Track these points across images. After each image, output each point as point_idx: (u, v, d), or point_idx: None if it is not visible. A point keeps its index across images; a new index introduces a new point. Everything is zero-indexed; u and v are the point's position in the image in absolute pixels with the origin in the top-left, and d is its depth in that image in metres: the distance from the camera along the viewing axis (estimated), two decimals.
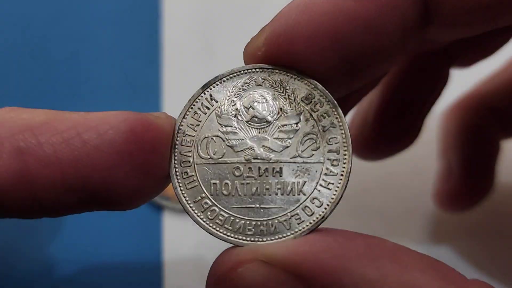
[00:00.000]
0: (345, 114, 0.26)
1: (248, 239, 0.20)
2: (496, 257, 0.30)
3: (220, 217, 0.20)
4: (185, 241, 0.30)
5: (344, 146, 0.20)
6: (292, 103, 0.21)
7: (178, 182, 0.20)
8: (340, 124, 0.20)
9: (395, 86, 0.28)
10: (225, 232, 0.20)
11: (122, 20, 0.40)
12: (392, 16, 0.20)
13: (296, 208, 0.20)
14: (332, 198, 0.20)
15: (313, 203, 0.20)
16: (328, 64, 0.20)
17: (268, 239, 0.20)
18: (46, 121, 0.19)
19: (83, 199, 0.19)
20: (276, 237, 0.20)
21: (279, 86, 0.21)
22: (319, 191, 0.20)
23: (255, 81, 0.21)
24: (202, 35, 0.40)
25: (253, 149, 0.20)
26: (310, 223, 0.20)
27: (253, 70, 0.21)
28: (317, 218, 0.20)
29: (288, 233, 0.20)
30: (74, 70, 0.38)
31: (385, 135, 0.29)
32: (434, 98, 0.29)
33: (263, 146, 0.20)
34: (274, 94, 0.21)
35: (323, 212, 0.20)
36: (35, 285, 0.29)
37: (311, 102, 0.21)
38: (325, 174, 0.20)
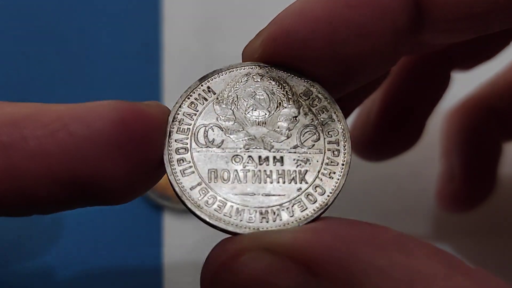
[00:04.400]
0: (346, 116, 0.26)
1: (249, 227, 0.19)
2: (496, 257, 0.30)
3: (219, 205, 0.19)
4: (186, 241, 0.30)
5: (344, 138, 0.20)
6: (291, 98, 0.21)
7: (172, 169, 0.19)
8: (339, 118, 0.21)
9: (397, 88, 0.29)
10: (224, 220, 0.19)
11: (122, 20, 0.40)
12: (385, 22, 0.20)
13: (298, 195, 0.19)
14: (335, 186, 0.20)
15: (315, 191, 0.19)
16: (322, 66, 0.21)
17: (271, 226, 0.19)
18: (31, 114, 0.18)
19: (73, 194, 0.18)
20: (280, 224, 0.19)
21: (278, 81, 0.21)
22: (321, 179, 0.20)
23: (253, 77, 0.21)
24: (202, 36, 0.40)
25: (253, 139, 0.20)
26: (314, 210, 0.19)
27: (252, 66, 0.21)
28: (320, 205, 0.19)
29: (292, 220, 0.19)
30: (74, 69, 0.38)
31: (387, 137, 0.29)
32: (436, 101, 0.29)
33: (262, 136, 0.20)
34: (273, 89, 0.21)
35: (326, 199, 0.19)
36: (34, 286, 0.29)
37: (309, 97, 0.21)
38: (326, 164, 0.20)
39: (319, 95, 0.21)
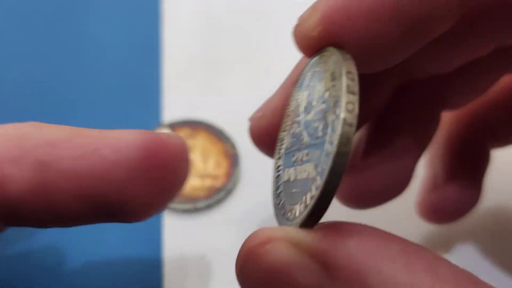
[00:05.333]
0: (364, 123, 0.26)
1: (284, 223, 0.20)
2: (497, 258, 0.30)
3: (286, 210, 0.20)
4: (186, 241, 0.30)
5: (338, 100, 0.18)
6: (328, 89, 0.19)
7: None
8: (351, 73, 0.18)
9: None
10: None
11: (122, 20, 0.40)
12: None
13: (309, 185, 0.19)
14: (326, 162, 0.18)
15: (317, 174, 0.18)
16: (387, 36, 0.20)
17: (294, 222, 0.19)
18: (67, 136, 0.20)
19: (97, 211, 0.21)
20: (293, 218, 0.19)
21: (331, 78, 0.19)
22: (321, 159, 0.18)
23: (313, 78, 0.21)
24: (202, 36, 0.40)
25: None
26: (311, 197, 0.18)
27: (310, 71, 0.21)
28: (316, 188, 0.18)
29: (302, 211, 0.19)
30: (74, 69, 0.38)
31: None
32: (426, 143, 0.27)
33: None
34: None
35: (322, 178, 0.18)
36: (34, 285, 0.29)
37: (334, 79, 0.19)
38: (330, 142, 0.18)
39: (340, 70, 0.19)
